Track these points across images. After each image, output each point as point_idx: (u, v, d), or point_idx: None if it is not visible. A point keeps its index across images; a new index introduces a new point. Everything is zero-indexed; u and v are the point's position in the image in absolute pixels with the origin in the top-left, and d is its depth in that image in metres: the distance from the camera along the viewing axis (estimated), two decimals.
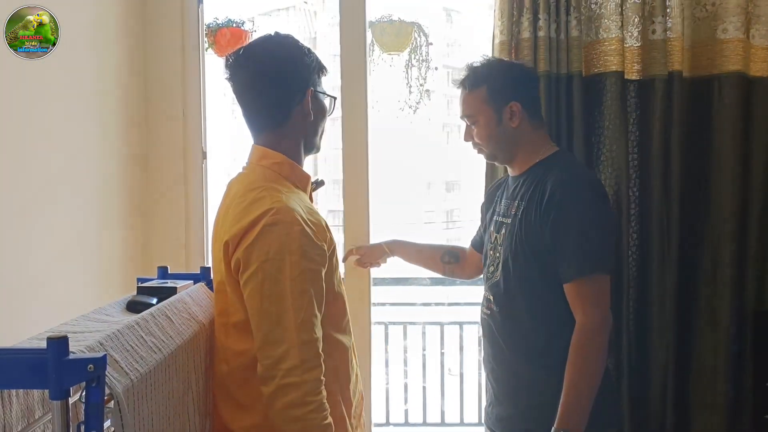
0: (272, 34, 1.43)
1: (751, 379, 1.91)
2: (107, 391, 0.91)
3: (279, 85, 1.36)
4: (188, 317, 1.31)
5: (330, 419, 1.24)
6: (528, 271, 1.59)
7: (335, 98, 1.48)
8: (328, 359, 1.28)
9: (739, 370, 1.90)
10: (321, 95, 1.42)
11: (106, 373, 0.91)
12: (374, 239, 2.14)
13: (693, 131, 1.91)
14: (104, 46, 2.00)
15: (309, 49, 1.42)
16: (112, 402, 0.94)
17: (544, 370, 1.58)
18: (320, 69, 1.42)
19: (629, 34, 1.90)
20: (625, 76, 1.90)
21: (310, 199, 1.46)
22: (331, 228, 1.38)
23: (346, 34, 2.18)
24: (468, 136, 1.72)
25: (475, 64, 1.70)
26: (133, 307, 1.29)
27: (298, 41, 1.42)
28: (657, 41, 1.90)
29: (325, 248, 1.30)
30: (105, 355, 0.89)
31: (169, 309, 1.26)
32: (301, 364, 1.20)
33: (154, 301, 1.31)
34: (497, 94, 1.64)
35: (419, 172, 23.73)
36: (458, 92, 1.74)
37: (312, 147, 1.44)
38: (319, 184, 1.51)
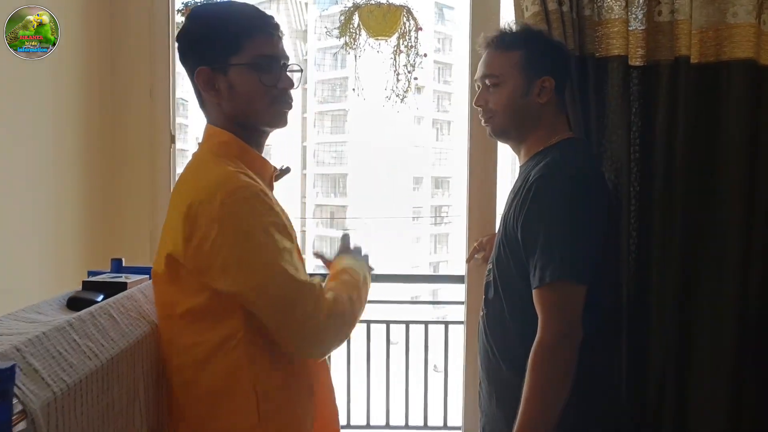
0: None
1: (754, 383, 1.81)
2: (19, 407, 0.76)
3: (185, 63, 1.26)
4: (137, 317, 1.16)
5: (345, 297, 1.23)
6: (509, 274, 1.45)
7: (265, 63, 1.22)
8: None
9: (742, 373, 1.80)
10: (247, 67, 1.21)
11: (19, 385, 0.75)
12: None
13: (699, 122, 1.78)
14: (64, 23, 1.83)
15: (220, 19, 1.24)
16: (25, 420, 0.78)
17: None
18: (247, 35, 1.21)
19: (633, 15, 1.76)
20: (629, 62, 1.77)
21: (270, 187, 1.32)
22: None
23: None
24: (482, 99, 1.54)
25: (511, 27, 1.55)
26: (74, 304, 1.13)
27: (209, 14, 1.30)
28: (663, 24, 1.78)
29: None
30: (14, 365, 0.73)
31: (114, 307, 1.11)
32: (316, 303, 1.15)
33: (100, 298, 1.16)
34: (533, 64, 1.48)
35: (409, 168, 23.69)
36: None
37: (252, 124, 1.25)
38: (284, 171, 1.37)
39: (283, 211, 1.22)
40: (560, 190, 1.38)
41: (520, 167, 1.56)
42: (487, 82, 1.53)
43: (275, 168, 1.34)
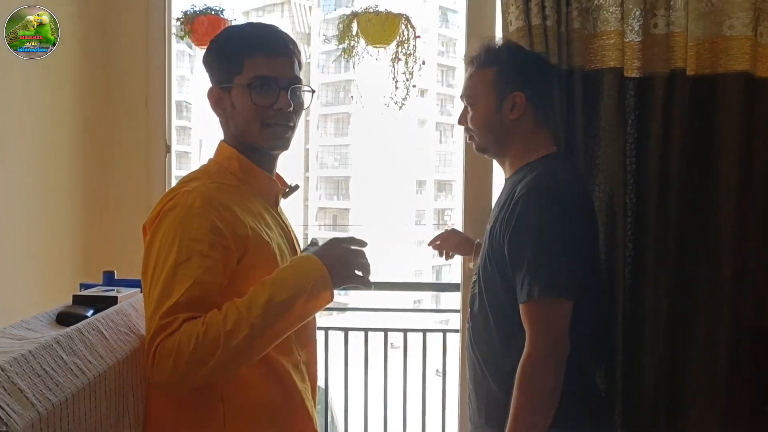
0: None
1: (750, 400, 1.79)
2: (2, 428, 0.76)
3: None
4: (127, 332, 1.15)
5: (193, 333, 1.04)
6: (495, 287, 1.45)
7: (261, 83, 1.20)
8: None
9: (737, 389, 1.78)
10: (244, 87, 1.21)
11: (2, 406, 0.76)
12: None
13: (694, 134, 1.77)
14: (58, 28, 1.83)
15: (229, 39, 1.26)
16: None
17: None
18: (247, 55, 1.21)
19: (630, 27, 1.76)
20: (624, 74, 1.77)
21: (275, 203, 1.32)
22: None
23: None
24: (463, 119, 1.56)
25: (490, 43, 1.55)
26: (64, 319, 1.13)
27: (224, 34, 1.29)
28: (659, 36, 1.77)
29: (231, 243, 1.14)
30: None
31: (103, 322, 1.11)
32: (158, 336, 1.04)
33: (90, 312, 1.16)
34: (504, 80, 1.48)
35: (412, 171, 23.68)
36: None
37: (251, 144, 1.25)
38: (293, 189, 1.38)
39: (257, 226, 1.20)
40: (546, 205, 1.38)
41: (506, 180, 1.56)
42: (464, 102, 1.55)
43: (282, 185, 1.34)
